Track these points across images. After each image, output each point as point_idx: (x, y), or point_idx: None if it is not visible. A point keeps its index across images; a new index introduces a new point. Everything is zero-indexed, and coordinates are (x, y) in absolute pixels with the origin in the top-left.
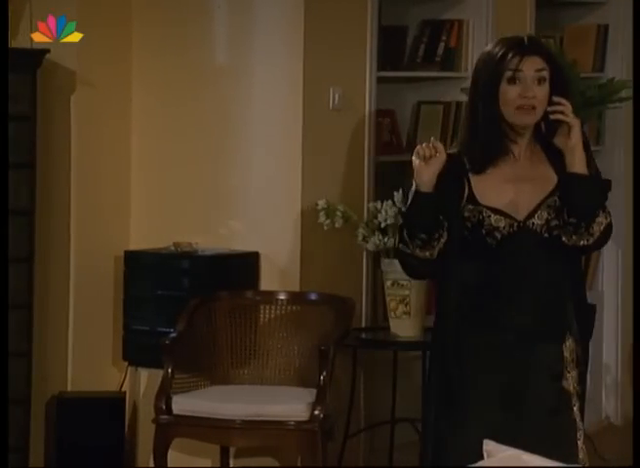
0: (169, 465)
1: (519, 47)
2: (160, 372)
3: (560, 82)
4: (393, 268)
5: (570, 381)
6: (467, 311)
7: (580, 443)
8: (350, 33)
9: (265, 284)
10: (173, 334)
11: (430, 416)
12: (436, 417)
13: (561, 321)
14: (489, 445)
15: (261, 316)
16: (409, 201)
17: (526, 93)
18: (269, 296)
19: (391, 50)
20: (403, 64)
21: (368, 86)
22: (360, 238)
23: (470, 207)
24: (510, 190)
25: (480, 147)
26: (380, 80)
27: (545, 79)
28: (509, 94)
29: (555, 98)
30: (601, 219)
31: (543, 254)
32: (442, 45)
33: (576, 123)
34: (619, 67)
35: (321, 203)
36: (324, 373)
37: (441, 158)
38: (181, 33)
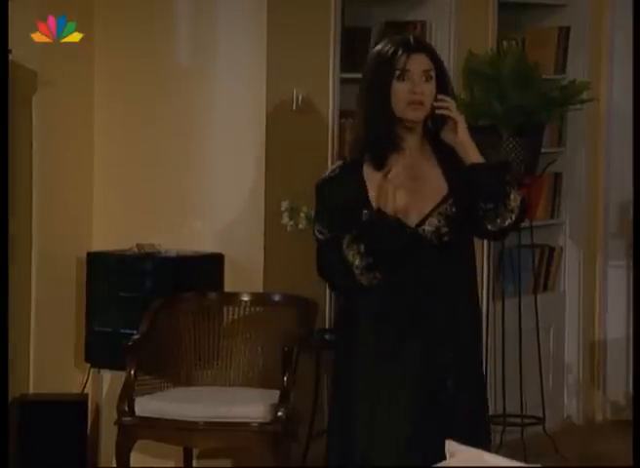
0: (131, 467)
1: (406, 46)
2: (123, 374)
3: (444, 81)
4: None
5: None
6: (367, 317)
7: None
8: (313, 34)
9: (229, 285)
10: (135, 336)
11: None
12: (340, 410)
13: (450, 326)
14: (451, 445)
15: (225, 317)
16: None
17: (414, 89)
18: (233, 298)
19: (354, 51)
20: None
21: (331, 87)
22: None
23: (365, 212)
24: (403, 194)
25: (373, 143)
26: (344, 81)
27: (432, 77)
28: (399, 90)
29: (439, 97)
30: (514, 195)
31: (433, 260)
32: None
33: (460, 118)
34: (580, 69)
35: (284, 204)
36: (287, 375)
37: None
38: (144, 33)
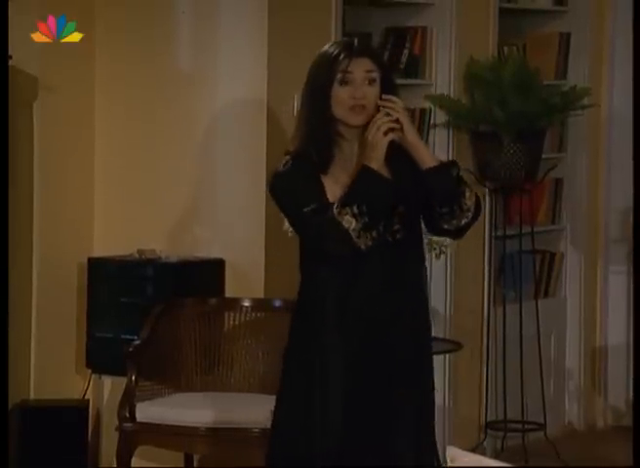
0: None
1: (349, 49)
2: (124, 380)
3: (389, 84)
4: None
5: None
6: (330, 310)
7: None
8: (314, 40)
9: (230, 291)
10: (136, 342)
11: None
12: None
13: (404, 318)
14: (451, 450)
15: (226, 323)
16: (363, 180)
17: (356, 93)
18: (234, 303)
19: None
20: None
21: None
22: None
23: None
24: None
25: (313, 143)
26: None
27: (375, 80)
28: (341, 95)
29: (385, 96)
30: (469, 194)
31: (390, 257)
32: (406, 52)
33: (406, 120)
34: (581, 75)
35: None
36: None
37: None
38: (145, 39)
